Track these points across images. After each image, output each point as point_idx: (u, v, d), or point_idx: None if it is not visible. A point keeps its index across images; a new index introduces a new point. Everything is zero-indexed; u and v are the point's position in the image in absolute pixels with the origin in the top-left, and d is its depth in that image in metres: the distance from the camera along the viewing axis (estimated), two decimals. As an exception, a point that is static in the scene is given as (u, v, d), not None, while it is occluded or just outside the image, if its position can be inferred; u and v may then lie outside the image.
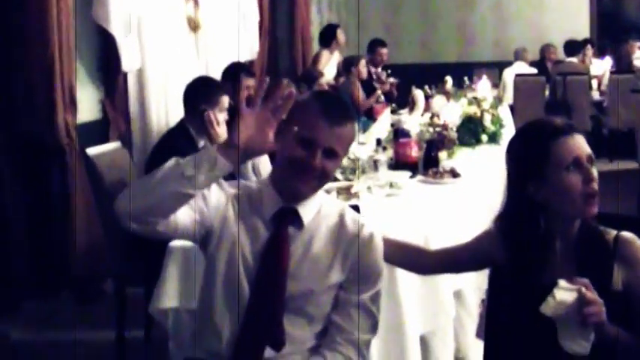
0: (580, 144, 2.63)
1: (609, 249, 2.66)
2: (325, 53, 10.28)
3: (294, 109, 2.64)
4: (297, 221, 2.78)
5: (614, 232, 2.70)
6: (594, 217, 2.67)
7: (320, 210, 2.83)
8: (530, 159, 2.67)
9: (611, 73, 12.39)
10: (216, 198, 2.75)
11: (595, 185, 2.60)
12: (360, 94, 9.87)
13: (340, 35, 10.51)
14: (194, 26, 7.25)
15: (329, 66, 10.28)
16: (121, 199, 2.62)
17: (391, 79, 10.67)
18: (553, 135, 2.64)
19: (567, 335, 2.46)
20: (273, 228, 2.77)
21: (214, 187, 2.73)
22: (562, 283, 2.44)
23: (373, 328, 2.85)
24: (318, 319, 2.77)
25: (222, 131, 4.99)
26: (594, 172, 2.61)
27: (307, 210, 2.79)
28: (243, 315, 2.71)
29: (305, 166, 2.67)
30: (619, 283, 2.64)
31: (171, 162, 2.53)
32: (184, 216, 2.63)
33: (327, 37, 10.50)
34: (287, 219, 2.78)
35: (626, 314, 2.60)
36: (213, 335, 2.75)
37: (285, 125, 2.70)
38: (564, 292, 2.42)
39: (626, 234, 2.69)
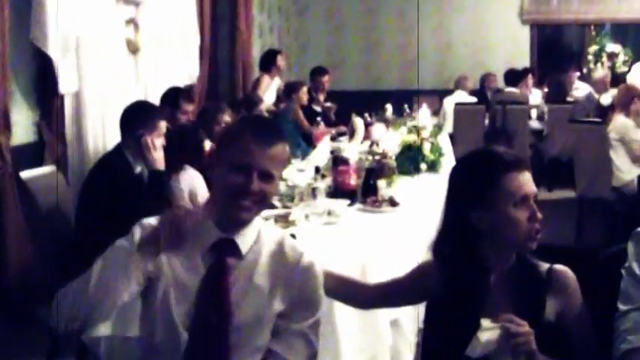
0: (529, 182, 2.70)
1: (542, 281, 2.72)
2: (266, 78, 10.26)
3: (225, 137, 2.70)
4: (236, 251, 2.75)
5: (547, 265, 2.76)
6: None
7: (258, 238, 2.81)
8: (478, 188, 2.72)
9: (547, 102, 12.55)
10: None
11: (539, 225, 2.67)
12: (303, 119, 9.87)
13: (281, 61, 10.49)
14: (133, 49, 7.18)
15: (269, 91, 10.26)
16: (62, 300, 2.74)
17: (329, 104, 10.67)
18: (505, 169, 2.69)
19: None
20: (211, 260, 2.74)
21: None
22: (485, 323, 2.49)
23: (313, 358, 2.83)
24: (260, 349, 2.74)
25: (158, 156, 4.96)
26: (537, 211, 2.68)
27: (245, 239, 2.77)
28: (186, 350, 2.67)
29: (243, 192, 2.65)
30: (552, 315, 2.69)
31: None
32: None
33: (268, 62, 10.48)
34: (225, 249, 2.75)
35: (558, 345, 2.66)
36: None
37: (218, 155, 2.73)
38: (488, 332, 2.48)
39: (559, 267, 2.76)
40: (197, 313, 2.69)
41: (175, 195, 5.25)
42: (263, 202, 2.73)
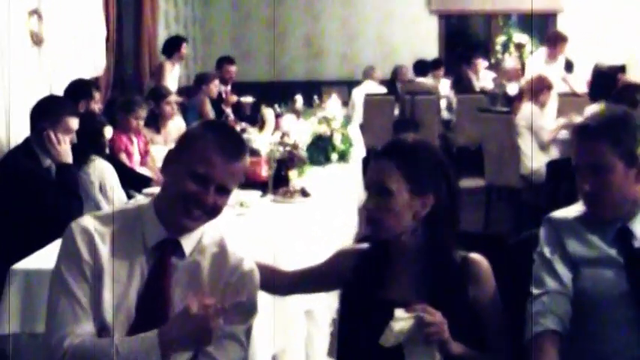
0: (373, 171, 2.78)
1: (457, 269, 2.75)
2: (168, 65, 10.16)
3: (186, 140, 2.69)
4: (179, 252, 2.74)
5: (462, 253, 2.79)
6: (437, 239, 2.76)
7: (201, 239, 2.79)
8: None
9: (455, 92, 12.69)
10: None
11: (369, 212, 2.75)
12: (210, 111, 9.82)
13: (184, 49, 10.40)
14: (37, 40, 7.03)
15: (171, 79, 10.17)
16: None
17: (248, 99, 10.62)
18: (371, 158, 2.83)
19: (413, 356, 2.53)
20: (155, 258, 2.72)
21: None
22: (398, 312, 2.52)
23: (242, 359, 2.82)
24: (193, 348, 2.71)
25: (64, 150, 4.90)
26: (371, 201, 2.74)
27: (190, 241, 2.76)
28: None
29: (197, 203, 2.64)
30: (467, 302, 2.72)
31: None
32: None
33: (171, 48, 10.36)
34: (169, 249, 2.73)
35: (473, 332, 2.70)
36: None
37: (177, 156, 2.71)
38: (401, 322, 2.51)
39: (473, 255, 2.80)
40: (138, 311, 2.67)
41: (85, 187, 5.19)
42: (214, 213, 2.71)
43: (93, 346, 2.56)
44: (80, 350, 2.55)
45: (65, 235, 2.73)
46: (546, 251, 2.84)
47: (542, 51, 11.46)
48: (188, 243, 2.75)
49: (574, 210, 2.94)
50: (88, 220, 2.74)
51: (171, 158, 2.75)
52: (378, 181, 2.72)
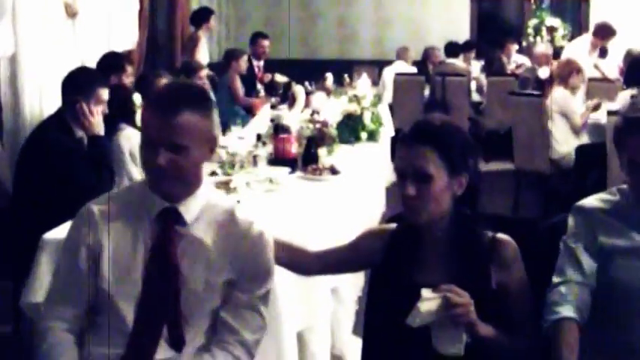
0: (409, 157, 2.70)
1: (485, 250, 2.73)
2: (200, 37, 10.21)
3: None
4: (181, 220, 2.74)
5: (490, 234, 2.76)
6: (468, 218, 2.75)
7: (206, 207, 2.78)
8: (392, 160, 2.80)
9: (486, 75, 12.63)
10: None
11: (409, 201, 2.68)
12: (239, 88, 9.84)
13: (213, 21, 10.41)
14: (71, 13, 7.06)
15: (202, 51, 10.23)
16: None
17: (283, 79, 10.62)
18: (399, 142, 2.75)
19: (440, 338, 2.54)
20: (157, 230, 2.73)
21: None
22: (425, 293, 2.51)
23: (262, 328, 2.83)
24: (210, 314, 2.74)
25: (96, 121, 4.92)
26: (410, 188, 2.66)
27: (190, 208, 2.75)
28: (136, 317, 2.66)
29: (151, 168, 2.64)
30: (494, 283, 2.70)
31: None
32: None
33: (200, 19, 10.33)
34: (170, 219, 2.73)
35: (500, 313, 2.68)
36: (104, 338, 2.69)
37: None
38: (428, 302, 2.50)
39: (502, 236, 2.77)
40: (146, 281, 2.68)
41: (116, 156, 5.22)
42: (178, 174, 2.66)
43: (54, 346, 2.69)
44: (47, 342, 2.70)
45: (79, 213, 2.81)
46: (571, 241, 2.83)
47: (585, 40, 11.38)
48: (188, 210, 2.74)
49: (603, 198, 2.91)
50: (95, 202, 2.80)
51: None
52: (418, 167, 2.65)
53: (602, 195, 2.92)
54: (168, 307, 2.67)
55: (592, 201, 2.91)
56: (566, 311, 2.67)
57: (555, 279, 2.77)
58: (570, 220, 2.88)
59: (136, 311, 2.67)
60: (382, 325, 2.79)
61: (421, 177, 2.65)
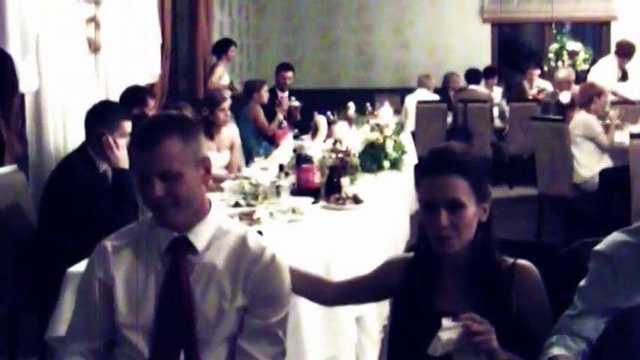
0: (440, 187, 2.67)
1: (506, 276, 2.72)
2: (220, 66, 10.42)
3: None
4: (192, 249, 2.75)
5: (511, 260, 2.76)
6: (489, 245, 2.74)
7: (217, 233, 2.80)
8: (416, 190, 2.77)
9: (508, 100, 12.64)
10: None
11: (443, 231, 2.66)
12: (263, 119, 9.90)
13: (232, 52, 10.83)
14: (95, 48, 7.13)
15: (222, 80, 10.39)
16: None
17: (296, 103, 10.70)
18: (424, 172, 2.73)
19: None
20: (169, 260, 2.75)
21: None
22: (445, 322, 2.50)
23: (281, 355, 2.81)
24: (226, 341, 2.74)
25: (121, 155, 4.94)
26: (444, 218, 2.64)
27: (200, 236, 2.77)
28: (152, 349, 2.68)
29: (150, 200, 2.67)
30: (515, 310, 2.69)
31: None
32: None
33: (220, 49, 10.78)
34: (182, 248, 2.75)
35: (521, 340, 2.65)
36: None
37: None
38: (448, 332, 2.49)
39: (522, 262, 2.76)
40: (159, 312, 2.70)
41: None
42: (177, 201, 2.68)
43: None
44: None
45: (94, 250, 2.85)
46: (580, 300, 2.67)
47: (609, 61, 11.39)
48: (198, 238, 2.76)
49: (626, 238, 2.71)
50: (108, 239, 2.84)
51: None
52: (450, 196, 2.65)
53: (624, 234, 2.72)
54: (183, 336, 2.68)
55: (614, 243, 2.70)
56: (557, 350, 2.61)
57: (552, 338, 2.65)
58: (590, 266, 2.71)
59: (151, 343, 2.68)
60: (404, 354, 2.78)
61: (454, 205, 2.65)
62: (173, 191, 2.65)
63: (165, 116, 2.98)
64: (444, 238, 2.68)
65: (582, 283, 2.67)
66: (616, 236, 2.70)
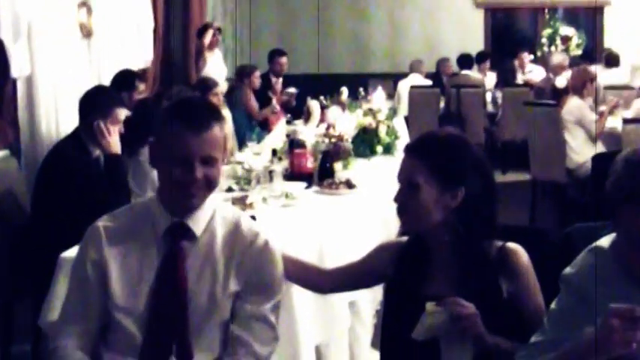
0: (401, 167, 2.79)
1: (494, 260, 2.72)
2: (205, 52, 10.42)
3: (160, 128, 2.71)
4: (190, 234, 2.75)
5: (500, 243, 2.76)
6: (469, 230, 2.73)
7: (213, 218, 2.81)
8: None
9: (497, 86, 12.65)
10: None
11: (397, 208, 2.78)
12: (254, 104, 9.88)
13: (210, 36, 10.64)
14: (87, 33, 7.11)
15: (221, 65, 10.36)
16: None
17: (292, 90, 10.67)
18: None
19: (448, 350, 2.57)
20: (166, 245, 2.74)
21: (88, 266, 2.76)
22: (429, 306, 2.53)
23: (274, 340, 2.82)
24: (218, 326, 2.74)
25: (113, 140, 4.94)
26: (398, 196, 2.76)
27: (198, 222, 2.77)
28: (145, 334, 2.68)
29: (188, 183, 2.66)
30: (504, 293, 2.70)
31: None
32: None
33: (199, 33, 10.70)
34: (179, 234, 2.75)
35: (510, 323, 2.67)
36: (116, 352, 2.71)
37: (157, 146, 2.74)
38: (432, 316, 2.51)
39: (511, 245, 2.76)
40: (153, 298, 2.70)
41: (144, 170, 5.24)
42: (210, 186, 2.73)
43: None
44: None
45: (86, 232, 2.84)
46: (550, 325, 2.56)
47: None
48: (197, 224, 2.77)
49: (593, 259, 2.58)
50: (100, 220, 2.83)
51: (154, 150, 2.79)
52: (406, 175, 2.73)
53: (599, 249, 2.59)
54: (176, 322, 2.68)
55: (582, 264, 2.59)
56: None
57: (533, 338, 2.58)
58: (561, 290, 2.61)
59: (144, 327, 2.68)
60: (395, 338, 2.81)
61: (408, 185, 2.71)
62: (209, 175, 2.69)
63: (207, 102, 3.12)
64: (399, 215, 2.80)
65: (553, 306, 2.60)
66: (584, 257, 2.61)
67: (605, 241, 2.59)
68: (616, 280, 2.48)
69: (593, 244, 2.61)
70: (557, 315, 2.56)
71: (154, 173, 4.80)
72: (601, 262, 2.54)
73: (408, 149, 2.80)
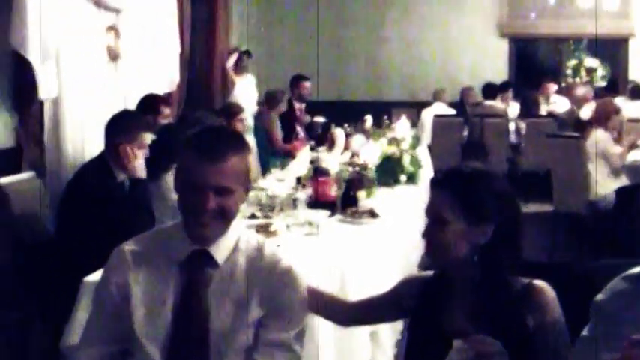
0: (429, 202, 2.76)
1: (520, 297, 2.69)
2: (232, 77, 10.54)
3: (180, 156, 2.69)
4: (212, 262, 2.74)
5: (526, 280, 2.73)
6: (494, 266, 2.71)
7: (237, 245, 2.79)
8: None
9: (524, 116, 12.61)
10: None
11: (425, 242, 2.77)
12: (278, 132, 9.89)
13: (232, 57, 10.81)
14: (114, 56, 7.16)
15: (251, 90, 10.40)
16: None
17: (321, 119, 10.66)
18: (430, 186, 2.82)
19: None
20: (186, 272, 2.73)
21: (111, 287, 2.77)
22: (456, 344, 2.50)
23: None
24: (241, 357, 2.71)
25: (139, 164, 4.96)
26: (427, 232, 2.75)
27: (221, 249, 2.75)
28: (167, 358, 2.67)
29: (199, 212, 2.64)
30: (530, 330, 2.66)
31: None
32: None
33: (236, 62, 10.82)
34: (201, 261, 2.74)
35: (538, 358, 2.64)
36: None
37: (177, 173, 2.73)
38: (459, 353, 2.48)
39: (538, 282, 2.73)
40: (175, 325, 2.68)
41: (165, 196, 5.26)
42: (225, 217, 2.70)
43: None
44: None
45: (111, 255, 2.83)
46: (584, 352, 2.50)
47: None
48: (219, 251, 2.74)
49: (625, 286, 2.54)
50: (126, 243, 2.82)
51: (175, 177, 2.77)
52: (434, 210, 2.71)
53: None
54: (198, 348, 2.67)
55: (614, 291, 2.53)
56: None
57: None
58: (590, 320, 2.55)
59: (165, 353, 2.67)
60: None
61: (437, 219, 2.70)
62: (223, 206, 2.66)
63: (228, 131, 3.06)
64: (426, 249, 2.78)
65: (584, 332, 2.54)
66: (616, 284, 2.55)
67: (638, 269, 2.55)
68: None
69: (627, 272, 2.56)
70: (588, 341, 2.51)
71: (175, 199, 4.85)
72: (634, 288, 2.50)
73: (437, 184, 2.78)
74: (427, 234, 2.74)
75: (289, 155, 8.73)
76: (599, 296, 2.55)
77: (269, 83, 12.89)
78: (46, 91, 6.01)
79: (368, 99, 14.30)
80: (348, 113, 9.49)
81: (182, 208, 2.72)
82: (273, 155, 8.67)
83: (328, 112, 10.42)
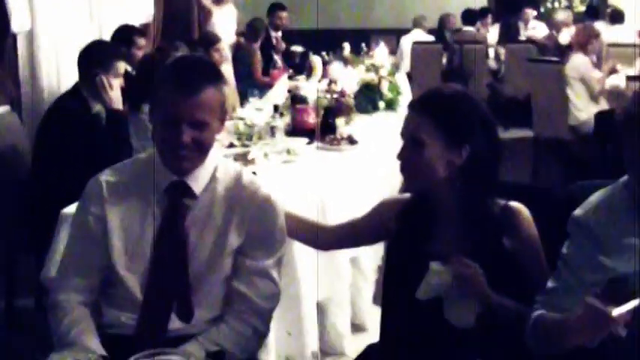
0: (406, 123, 2.75)
1: (497, 219, 2.70)
2: (213, 9, 10.36)
3: (155, 88, 2.65)
4: (190, 192, 2.73)
5: (502, 202, 2.74)
6: (473, 189, 2.70)
7: (214, 175, 2.78)
8: None
9: (499, 42, 12.58)
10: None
11: (401, 165, 2.74)
12: (260, 66, 9.83)
13: None
14: (88, -14, 7.07)
15: (229, 21, 10.27)
16: None
17: (299, 48, 10.59)
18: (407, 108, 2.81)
19: (451, 309, 2.56)
20: (165, 203, 2.72)
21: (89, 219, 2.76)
22: (433, 266, 2.52)
23: (276, 295, 2.82)
24: (221, 286, 2.73)
25: (115, 95, 4.90)
26: (404, 153, 2.72)
27: (198, 180, 2.75)
28: (146, 290, 2.67)
29: (174, 145, 2.62)
30: (507, 252, 2.67)
31: None
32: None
33: None
34: (179, 191, 2.73)
35: (514, 282, 2.65)
36: (116, 307, 2.71)
37: (153, 105, 2.71)
38: (436, 275, 2.50)
39: (514, 204, 2.74)
40: (156, 256, 2.69)
41: (144, 126, 5.22)
42: (202, 150, 2.68)
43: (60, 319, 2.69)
44: (61, 314, 2.70)
45: (87, 185, 2.82)
46: (564, 270, 2.55)
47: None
48: (197, 183, 2.74)
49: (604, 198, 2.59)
50: (103, 174, 2.80)
51: (150, 109, 2.76)
52: (410, 132, 2.69)
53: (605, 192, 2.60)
54: (177, 278, 2.67)
55: (593, 205, 2.58)
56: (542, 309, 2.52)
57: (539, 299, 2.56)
58: (569, 234, 2.59)
59: (145, 283, 2.68)
60: (397, 296, 2.79)
61: (413, 141, 2.68)
62: (199, 139, 2.64)
63: (203, 62, 2.94)
64: (402, 172, 2.76)
65: (564, 250, 2.57)
66: (595, 198, 2.60)
67: (615, 183, 2.59)
68: (630, 218, 2.48)
69: (605, 188, 2.60)
70: (571, 258, 2.54)
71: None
72: (613, 200, 2.55)
73: (413, 105, 2.76)
74: (402, 156, 2.72)
75: (269, 87, 8.69)
76: (578, 211, 2.58)
77: (253, 13, 12.79)
78: (18, 24, 5.93)
79: (351, 27, 14.21)
80: (330, 41, 9.42)
81: (157, 141, 2.70)
82: (252, 84, 8.62)
83: (310, 40, 10.32)
